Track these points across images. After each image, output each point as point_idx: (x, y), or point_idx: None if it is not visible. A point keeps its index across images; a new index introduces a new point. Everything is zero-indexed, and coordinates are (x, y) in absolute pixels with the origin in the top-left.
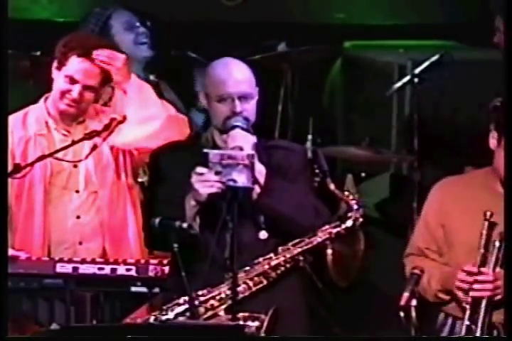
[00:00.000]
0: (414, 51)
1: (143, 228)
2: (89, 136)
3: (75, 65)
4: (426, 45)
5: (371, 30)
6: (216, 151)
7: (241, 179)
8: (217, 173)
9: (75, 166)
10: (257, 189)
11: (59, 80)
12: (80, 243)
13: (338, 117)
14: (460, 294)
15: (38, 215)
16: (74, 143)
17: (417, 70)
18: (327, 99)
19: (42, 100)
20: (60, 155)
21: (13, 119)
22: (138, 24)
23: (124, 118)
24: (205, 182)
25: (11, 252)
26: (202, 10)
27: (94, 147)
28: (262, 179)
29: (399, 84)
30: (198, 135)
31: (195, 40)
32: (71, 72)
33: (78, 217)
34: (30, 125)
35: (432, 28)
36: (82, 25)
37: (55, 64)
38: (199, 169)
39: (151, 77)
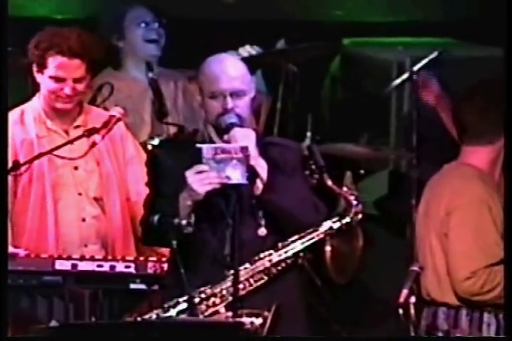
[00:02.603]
0: (413, 48)
1: (140, 224)
2: (88, 133)
3: (56, 63)
4: (425, 43)
5: (370, 28)
6: (210, 146)
7: (235, 175)
8: (214, 170)
9: (76, 168)
10: (260, 184)
11: (46, 82)
12: (86, 245)
13: (336, 114)
14: None
15: (50, 215)
16: (72, 140)
17: (416, 67)
18: (326, 97)
19: (36, 99)
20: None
21: (11, 119)
22: (150, 20)
23: (124, 115)
24: (204, 181)
25: (10, 249)
26: (200, 7)
27: (93, 144)
28: (264, 174)
29: (398, 81)
30: (196, 131)
31: (193, 37)
32: (55, 73)
33: (83, 220)
34: (29, 126)
35: (430, 25)
36: (101, 19)
37: (34, 68)
38: (199, 167)
39: (150, 75)
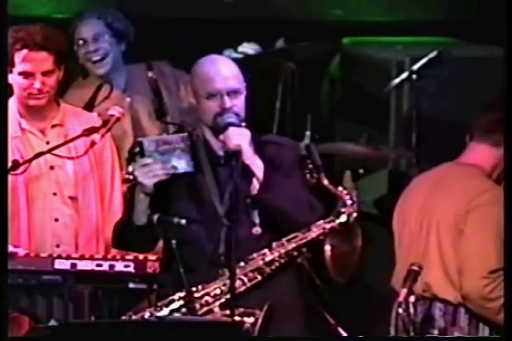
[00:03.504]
0: (412, 47)
1: (119, 225)
2: (88, 132)
3: (22, 57)
4: (424, 42)
5: (369, 27)
6: (150, 138)
7: (181, 165)
8: (159, 162)
9: (52, 168)
10: (256, 184)
11: (16, 80)
12: (58, 246)
13: (336, 113)
14: None
15: (23, 217)
16: (72, 139)
17: (415, 67)
18: (325, 96)
19: (11, 100)
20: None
21: None
22: (90, 37)
23: (123, 115)
24: (148, 174)
25: (9, 249)
26: (200, 6)
27: (93, 144)
28: (260, 174)
29: (397, 80)
30: (189, 132)
31: (193, 36)
32: (23, 67)
33: (56, 220)
34: None
35: (430, 24)
36: None
37: (9, 69)
38: (143, 161)
39: (150, 74)
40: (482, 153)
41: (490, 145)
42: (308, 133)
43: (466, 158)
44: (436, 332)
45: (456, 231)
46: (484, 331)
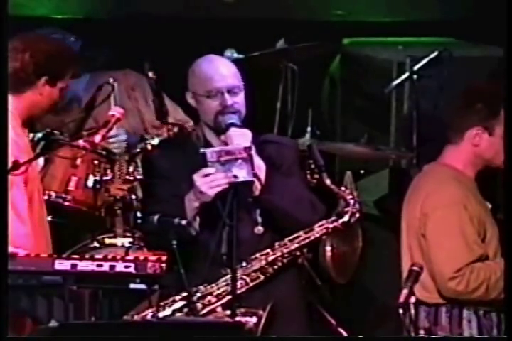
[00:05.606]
0: (413, 48)
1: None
2: (88, 133)
3: None
4: (425, 42)
5: (370, 27)
6: (213, 149)
7: (242, 174)
8: (221, 172)
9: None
10: (258, 184)
11: None
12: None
13: (336, 114)
14: None
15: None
16: (71, 140)
17: (416, 67)
18: (326, 96)
19: None
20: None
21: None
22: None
23: (123, 115)
24: (211, 183)
25: (9, 249)
26: (201, 6)
27: (93, 144)
28: (262, 174)
29: (398, 81)
30: (189, 132)
31: (193, 36)
32: None
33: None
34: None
35: (430, 24)
36: None
37: None
38: (206, 170)
39: (150, 74)
40: (449, 152)
41: (451, 143)
42: (309, 129)
43: (441, 158)
44: (422, 332)
45: (420, 235)
46: (471, 328)
